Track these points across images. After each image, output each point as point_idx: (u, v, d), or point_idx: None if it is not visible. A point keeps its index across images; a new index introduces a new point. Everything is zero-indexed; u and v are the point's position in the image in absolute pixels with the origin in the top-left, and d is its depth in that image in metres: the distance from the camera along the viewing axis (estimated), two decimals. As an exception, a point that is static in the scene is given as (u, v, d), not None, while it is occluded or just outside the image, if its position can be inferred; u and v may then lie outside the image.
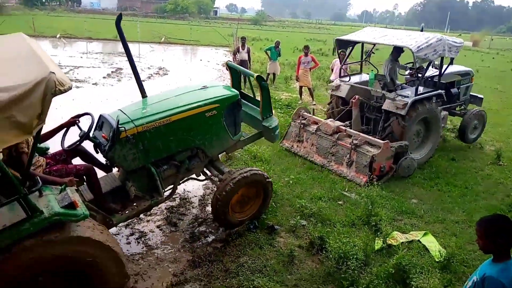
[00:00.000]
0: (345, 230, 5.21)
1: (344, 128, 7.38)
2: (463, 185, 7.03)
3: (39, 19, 33.69)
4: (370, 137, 7.08)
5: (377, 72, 8.60)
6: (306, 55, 12.05)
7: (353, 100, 7.84)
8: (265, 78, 14.66)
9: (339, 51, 9.18)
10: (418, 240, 5.14)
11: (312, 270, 4.50)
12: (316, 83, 15.40)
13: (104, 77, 14.92)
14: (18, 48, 3.25)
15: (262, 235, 5.08)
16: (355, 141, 6.88)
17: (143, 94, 4.94)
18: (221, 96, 4.92)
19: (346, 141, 7.13)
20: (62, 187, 3.44)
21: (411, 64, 8.78)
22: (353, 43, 8.44)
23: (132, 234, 5.05)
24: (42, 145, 4.35)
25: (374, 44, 8.66)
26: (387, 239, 5.04)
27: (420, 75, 8.00)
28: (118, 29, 4.62)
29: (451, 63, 8.13)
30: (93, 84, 13.72)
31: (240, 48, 13.88)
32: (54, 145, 4.51)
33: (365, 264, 4.55)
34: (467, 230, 5.58)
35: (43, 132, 3.98)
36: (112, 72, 16.04)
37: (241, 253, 4.69)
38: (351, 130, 7.38)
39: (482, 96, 9.88)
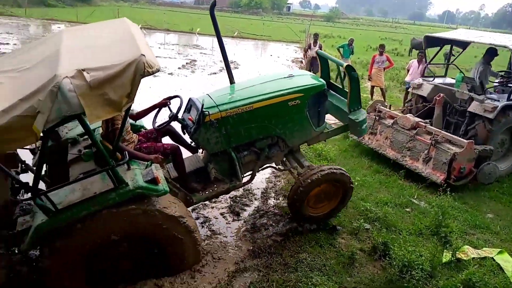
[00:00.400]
0: (411, 239, 5.00)
1: (424, 124, 7.04)
2: (550, 202, 6.40)
3: (123, 11, 36.07)
4: (452, 135, 6.69)
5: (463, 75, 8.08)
6: (381, 54, 11.62)
7: (437, 98, 7.54)
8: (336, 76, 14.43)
9: (418, 53, 8.84)
10: (492, 258, 4.79)
11: (373, 275, 4.38)
12: (389, 83, 14.84)
13: (179, 68, 15.61)
14: (119, 31, 3.55)
15: (323, 234, 5.02)
16: (436, 137, 6.54)
17: (231, 81, 5.08)
18: (306, 85, 4.83)
19: (425, 137, 6.80)
20: (148, 163, 3.72)
21: (503, 72, 8.35)
22: (444, 42, 8.18)
23: (197, 219, 5.26)
24: (138, 123, 4.69)
25: (468, 44, 8.17)
26: (457, 252, 4.75)
27: None
28: (212, 16, 4.84)
29: None
30: (168, 74, 14.41)
31: (312, 44, 13.77)
32: (147, 124, 4.87)
33: (431, 276, 4.33)
34: (551, 253, 5.09)
35: (137, 111, 4.41)
36: (186, 63, 16.74)
37: (300, 249, 4.68)
38: (432, 127, 7.02)
39: None
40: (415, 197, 6.22)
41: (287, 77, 5.03)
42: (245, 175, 4.92)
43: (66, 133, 4.37)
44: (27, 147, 3.54)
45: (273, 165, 5.34)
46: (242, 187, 5.37)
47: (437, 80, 8.27)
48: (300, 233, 5.01)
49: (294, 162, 5.24)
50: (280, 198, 5.96)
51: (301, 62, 18.36)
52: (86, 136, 4.06)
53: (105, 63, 2.82)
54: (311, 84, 4.88)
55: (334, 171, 4.86)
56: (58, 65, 2.82)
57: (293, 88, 4.74)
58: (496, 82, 8.52)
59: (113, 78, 2.77)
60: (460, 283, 4.08)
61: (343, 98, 5.30)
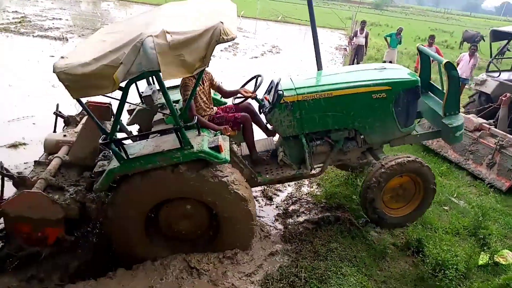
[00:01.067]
0: (447, 238, 4.83)
1: (488, 126, 6.73)
2: None
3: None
4: None
5: None
6: (430, 45, 11.11)
7: (504, 98, 7.15)
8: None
9: (470, 46, 8.43)
10: (533, 265, 4.58)
11: (404, 271, 4.32)
12: (436, 77, 14.25)
13: (221, 50, 15.69)
14: (213, 6, 3.83)
15: (356, 226, 4.98)
16: (501, 142, 6.23)
17: (319, 67, 5.03)
18: (396, 79, 4.50)
19: (489, 140, 6.52)
20: (218, 132, 3.97)
21: None
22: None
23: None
24: (224, 100, 4.92)
25: None
26: (495, 256, 4.57)
27: None
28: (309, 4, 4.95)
29: None
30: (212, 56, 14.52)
31: (359, 32, 13.42)
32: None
33: (465, 277, 4.21)
34: None
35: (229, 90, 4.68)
36: (229, 46, 16.78)
37: (332, 239, 4.67)
38: (496, 130, 6.70)
39: None
40: (455, 195, 6.01)
41: (379, 68, 4.82)
42: (315, 166, 4.77)
43: (159, 98, 4.65)
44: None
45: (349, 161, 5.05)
46: (309, 179, 5.22)
47: (503, 76, 7.79)
48: (332, 222, 4.99)
49: (370, 156, 4.95)
50: (314, 186, 5.94)
51: (345, 49, 17.95)
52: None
53: (185, 29, 3.14)
54: (402, 79, 4.56)
55: (421, 161, 4.52)
56: (148, 27, 3.19)
57: (380, 80, 4.45)
58: None
59: (190, 41, 3.06)
60: (496, 287, 3.95)
61: (440, 101, 4.90)
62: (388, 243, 4.69)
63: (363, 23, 13.79)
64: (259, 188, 5.71)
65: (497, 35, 8.21)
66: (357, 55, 13.65)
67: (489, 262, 4.51)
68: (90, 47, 3.32)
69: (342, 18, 28.67)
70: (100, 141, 3.47)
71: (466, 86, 10.65)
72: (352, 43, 13.59)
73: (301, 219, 5.13)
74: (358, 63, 13.85)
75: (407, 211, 4.84)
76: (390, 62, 14.11)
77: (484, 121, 6.96)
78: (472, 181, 6.56)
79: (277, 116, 4.36)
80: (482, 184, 6.36)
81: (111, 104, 3.97)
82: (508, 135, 6.42)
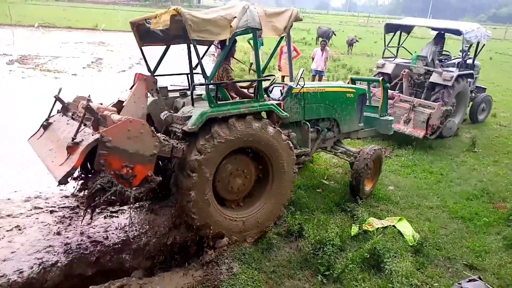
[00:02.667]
0: (323, 218, 5.31)
1: (397, 94, 8.80)
2: (439, 172, 7.23)
3: (15, 7, 32.77)
4: (424, 100, 8.60)
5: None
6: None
7: (403, 73, 9.47)
8: (249, 67, 14.68)
9: (321, 41, 9.71)
10: (393, 226, 5.29)
11: (290, 257, 4.59)
12: (297, 72, 15.42)
13: (83, 68, 14.68)
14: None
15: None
16: (413, 103, 8.26)
17: (291, 79, 6.07)
18: (355, 87, 6.31)
19: (401, 104, 8.49)
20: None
21: (446, 51, 10.73)
22: (404, 27, 10.08)
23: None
24: None
25: (412, 28, 10.41)
26: (363, 225, 5.17)
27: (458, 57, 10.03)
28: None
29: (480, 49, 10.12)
30: (72, 74, 13.48)
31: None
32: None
33: (342, 250, 4.68)
34: (441, 215, 5.77)
35: None
36: (92, 62, 15.80)
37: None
38: (404, 96, 8.85)
39: (485, 87, 11.53)
40: (325, 178, 6.61)
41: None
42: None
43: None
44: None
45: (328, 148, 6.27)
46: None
47: (396, 60, 10.05)
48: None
49: (342, 149, 6.26)
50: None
51: (214, 55, 18.26)
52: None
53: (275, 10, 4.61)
54: (358, 87, 6.34)
55: (380, 148, 6.23)
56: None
57: (348, 86, 6.27)
58: (439, 59, 10.21)
59: (278, 14, 4.52)
60: (366, 252, 4.46)
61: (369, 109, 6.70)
62: (273, 233, 4.95)
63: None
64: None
65: (389, 28, 10.10)
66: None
67: (360, 231, 5.08)
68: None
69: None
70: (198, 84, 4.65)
71: (324, 77, 11.80)
72: (219, 49, 13.95)
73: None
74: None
75: (369, 186, 6.11)
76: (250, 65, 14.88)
77: (393, 92, 8.95)
78: (337, 162, 7.30)
79: (288, 103, 5.29)
80: (346, 164, 7.11)
81: (157, 79, 4.75)
82: (415, 98, 8.59)
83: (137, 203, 5.54)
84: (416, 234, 5.00)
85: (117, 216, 5.18)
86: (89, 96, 3.80)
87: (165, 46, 5.17)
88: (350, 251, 4.68)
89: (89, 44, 20.85)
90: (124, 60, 16.69)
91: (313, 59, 11.73)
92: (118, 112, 4.24)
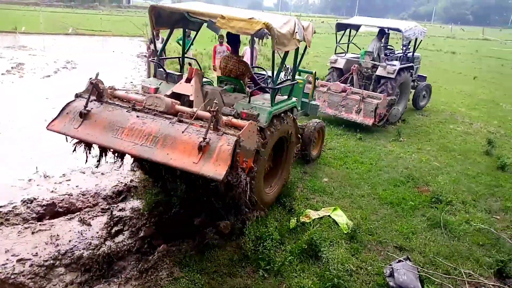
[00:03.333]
0: (262, 213, 5.40)
1: (349, 87, 9.91)
2: (369, 162, 7.67)
3: None
4: (372, 92, 9.88)
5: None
6: (221, 44, 12.10)
7: (353, 68, 10.75)
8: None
9: (249, 40, 10.45)
10: (329, 215, 5.53)
11: (232, 255, 4.62)
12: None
13: (2, 74, 13.57)
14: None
15: (179, 228, 5.07)
16: (363, 95, 9.42)
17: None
18: (301, 78, 7.75)
19: (352, 96, 9.58)
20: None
21: (390, 46, 12.11)
22: (352, 26, 11.37)
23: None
24: None
25: (359, 27, 11.86)
26: (301, 217, 5.35)
27: (399, 52, 11.57)
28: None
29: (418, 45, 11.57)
30: (-11, 81, 12.42)
31: (156, 37, 13.50)
32: None
33: (281, 243, 4.80)
34: (372, 202, 6.12)
35: None
36: (12, 67, 14.64)
37: (158, 244, 4.64)
38: (355, 89, 10.04)
39: (426, 75, 13.09)
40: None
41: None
42: None
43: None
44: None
45: None
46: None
47: (347, 56, 11.31)
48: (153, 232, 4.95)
49: None
50: (136, 201, 5.78)
51: (145, 56, 17.79)
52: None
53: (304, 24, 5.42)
54: (304, 79, 7.87)
55: (322, 122, 7.63)
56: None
57: (300, 78, 7.65)
58: (385, 53, 11.50)
59: (307, 28, 5.42)
60: (304, 244, 4.62)
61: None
62: (213, 233, 4.94)
63: (158, 29, 13.93)
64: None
65: (339, 26, 11.26)
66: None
67: (297, 224, 5.24)
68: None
69: (138, 25, 28.32)
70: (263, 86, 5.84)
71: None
72: (150, 51, 13.65)
73: (125, 240, 4.92)
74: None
75: (315, 151, 7.49)
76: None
77: (345, 85, 10.09)
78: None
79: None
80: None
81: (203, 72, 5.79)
82: (364, 91, 9.77)
83: (68, 215, 5.31)
84: (349, 222, 5.27)
85: (47, 230, 4.89)
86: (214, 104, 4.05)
87: (169, 30, 6.32)
88: (289, 243, 4.82)
89: (7, 49, 19.30)
90: (49, 64, 15.67)
91: (243, 57, 11.89)
92: (181, 104, 4.90)
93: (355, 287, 4.20)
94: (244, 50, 11.98)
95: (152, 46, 13.42)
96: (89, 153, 4.82)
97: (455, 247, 5.03)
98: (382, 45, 10.99)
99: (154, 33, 5.89)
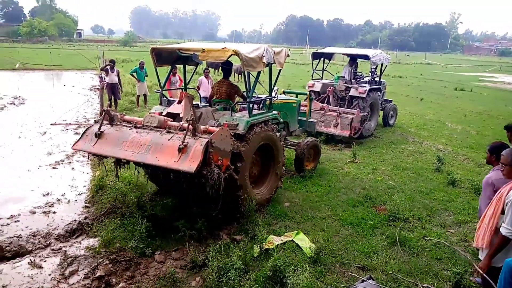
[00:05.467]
0: (225, 243, 5.31)
1: (326, 106, 11.54)
2: (327, 184, 7.80)
3: None
4: (347, 109, 11.38)
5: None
6: (174, 75, 12.20)
7: (329, 89, 12.35)
8: (136, 101, 14.36)
9: (204, 69, 11.33)
10: (292, 240, 5.51)
11: (196, 288, 4.48)
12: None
13: None
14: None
15: (137, 260, 4.89)
16: (339, 111, 10.92)
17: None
18: (296, 99, 8.97)
19: (329, 113, 11.08)
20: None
21: (359, 72, 13.55)
22: (326, 55, 13.02)
23: None
24: None
25: (332, 55, 13.36)
26: (264, 244, 5.29)
27: (367, 76, 13.45)
28: None
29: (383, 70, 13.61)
30: None
31: (110, 71, 13.35)
32: None
33: (245, 272, 4.70)
34: (333, 223, 6.19)
35: None
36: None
37: (116, 282, 4.42)
38: (331, 107, 11.51)
39: (391, 99, 14.58)
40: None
41: (286, 97, 9.11)
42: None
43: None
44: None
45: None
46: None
47: (323, 81, 13.07)
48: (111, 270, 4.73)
49: (289, 142, 8.57)
50: (91, 240, 5.50)
51: (98, 89, 17.46)
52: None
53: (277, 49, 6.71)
54: (297, 99, 9.03)
55: (316, 140, 8.68)
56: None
57: (293, 98, 8.93)
58: (355, 78, 13.01)
59: (279, 52, 6.57)
60: (269, 270, 4.54)
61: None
62: (175, 267, 4.79)
63: (112, 62, 13.86)
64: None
65: (315, 56, 12.94)
66: (114, 93, 13.54)
67: (261, 251, 5.18)
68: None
69: (90, 58, 27.85)
70: (242, 99, 6.98)
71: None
72: (103, 83, 13.45)
73: (81, 277, 4.65)
74: (115, 101, 13.74)
75: (310, 166, 8.44)
76: (145, 95, 14.62)
77: (323, 104, 11.68)
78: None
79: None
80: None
81: (193, 97, 6.59)
82: (340, 108, 11.26)
83: (17, 259, 4.97)
84: (312, 245, 5.28)
85: (-8, 277, 4.51)
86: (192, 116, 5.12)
87: (170, 67, 7.58)
88: (254, 272, 4.73)
89: None
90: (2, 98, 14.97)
91: (198, 87, 11.94)
92: (174, 120, 5.98)
93: (322, 311, 4.16)
94: (200, 80, 12.11)
95: (104, 77, 13.29)
96: (103, 164, 6.36)
97: (415, 263, 5.15)
98: (353, 71, 12.65)
99: (157, 70, 6.71)
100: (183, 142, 4.79)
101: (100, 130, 5.53)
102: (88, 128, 5.81)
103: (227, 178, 5.18)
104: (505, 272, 2.95)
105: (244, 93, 6.85)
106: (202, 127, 5.33)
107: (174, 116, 6.34)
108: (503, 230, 3.42)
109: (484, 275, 3.55)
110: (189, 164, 4.63)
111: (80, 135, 5.79)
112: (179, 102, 6.55)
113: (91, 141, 5.53)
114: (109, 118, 5.73)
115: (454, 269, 4.85)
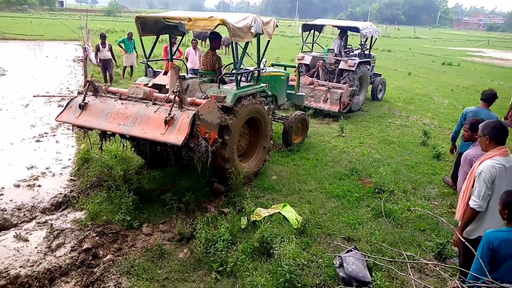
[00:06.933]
0: (213, 216, 5.34)
1: (316, 80, 11.34)
2: (314, 158, 7.84)
3: None
4: (336, 83, 11.17)
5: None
6: (194, 48, 11.95)
7: (319, 63, 12.17)
8: (121, 72, 13.99)
9: (192, 40, 11.65)
10: (279, 212, 5.57)
11: (183, 260, 4.51)
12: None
13: None
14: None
15: (123, 234, 4.91)
16: (328, 86, 10.78)
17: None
18: (285, 72, 8.84)
19: (319, 88, 10.94)
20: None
21: (349, 45, 13.62)
22: (317, 27, 12.72)
23: None
24: None
25: (323, 27, 13.06)
26: (251, 216, 5.33)
27: (356, 49, 13.42)
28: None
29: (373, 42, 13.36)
30: None
31: (101, 46, 12.79)
32: None
33: (233, 243, 4.76)
34: (319, 196, 6.26)
35: None
36: None
37: (103, 256, 4.44)
38: (321, 81, 11.38)
39: (380, 73, 14.37)
40: (213, 178, 6.64)
41: (276, 69, 9.12)
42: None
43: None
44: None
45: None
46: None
47: (312, 53, 12.78)
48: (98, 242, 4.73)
49: (277, 115, 8.43)
50: (77, 213, 5.47)
51: (81, 60, 17.02)
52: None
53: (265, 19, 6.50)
54: (286, 72, 8.89)
55: (305, 113, 8.58)
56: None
57: (282, 71, 8.78)
58: (345, 51, 12.72)
59: (268, 22, 6.39)
60: (256, 242, 4.61)
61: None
62: (162, 240, 4.81)
63: (103, 37, 13.06)
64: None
65: (305, 27, 12.49)
66: (106, 68, 13.00)
67: (248, 223, 5.23)
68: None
69: (73, 28, 26.98)
70: (229, 72, 6.94)
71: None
72: (99, 58, 12.91)
73: (68, 250, 4.64)
74: (110, 76, 13.23)
75: (298, 139, 8.41)
76: (131, 66, 14.27)
77: (312, 78, 11.47)
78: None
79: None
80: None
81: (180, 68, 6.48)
82: (329, 82, 11.14)
83: (2, 232, 4.93)
84: (299, 217, 5.35)
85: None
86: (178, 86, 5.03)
87: (155, 36, 6.94)
88: (241, 243, 4.79)
89: None
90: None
91: (187, 59, 11.70)
92: (159, 92, 5.85)
93: (307, 280, 4.25)
94: (187, 51, 11.86)
95: (100, 55, 12.79)
96: (88, 136, 6.28)
97: (399, 234, 5.27)
98: (343, 43, 12.35)
99: (142, 40, 6.53)
100: (169, 114, 4.74)
101: (84, 101, 5.44)
102: (72, 99, 5.67)
103: (215, 151, 5.16)
104: (483, 244, 3.02)
105: (229, 66, 6.90)
106: (189, 99, 5.22)
107: (160, 88, 6.20)
108: (470, 203, 3.50)
109: (454, 247, 3.62)
110: (176, 137, 4.61)
111: (63, 107, 5.65)
112: (165, 73, 6.40)
113: (75, 112, 5.43)
114: (93, 89, 5.62)
115: (437, 239, 4.98)
